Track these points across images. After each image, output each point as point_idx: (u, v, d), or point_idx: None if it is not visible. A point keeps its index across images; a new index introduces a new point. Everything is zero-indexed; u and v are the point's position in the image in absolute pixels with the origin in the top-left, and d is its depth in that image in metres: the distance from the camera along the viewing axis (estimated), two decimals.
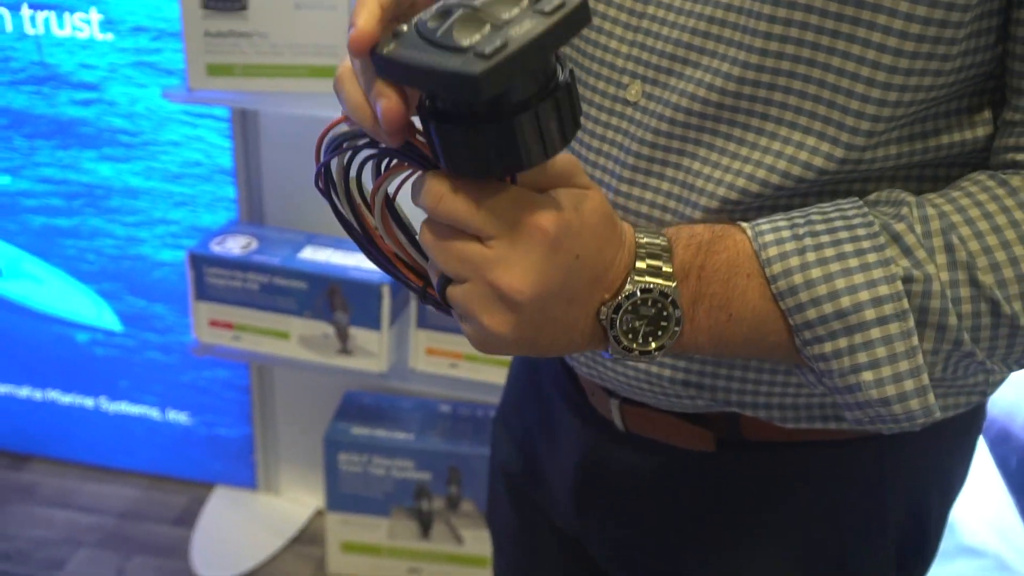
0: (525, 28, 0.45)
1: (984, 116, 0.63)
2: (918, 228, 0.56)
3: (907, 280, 0.55)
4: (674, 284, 0.55)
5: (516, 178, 0.52)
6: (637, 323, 0.55)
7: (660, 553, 0.83)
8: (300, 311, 1.73)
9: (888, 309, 0.54)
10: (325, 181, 0.57)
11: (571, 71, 0.50)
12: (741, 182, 0.62)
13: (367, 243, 0.59)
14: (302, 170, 1.62)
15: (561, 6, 0.46)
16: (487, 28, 0.46)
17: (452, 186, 0.50)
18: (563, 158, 0.53)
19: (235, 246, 1.77)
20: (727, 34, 0.61)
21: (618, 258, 0.54)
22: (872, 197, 0.60)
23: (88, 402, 2.22)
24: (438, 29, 0.47)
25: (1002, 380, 0.77)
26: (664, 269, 0.55)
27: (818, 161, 0.60)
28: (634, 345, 0.55)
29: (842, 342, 0.55)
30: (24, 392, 2.25)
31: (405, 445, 1.88)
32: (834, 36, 0.57)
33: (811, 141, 0.60)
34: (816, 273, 0.55)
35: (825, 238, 0.56)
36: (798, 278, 0.55)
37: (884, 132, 0.60)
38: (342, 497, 1.93)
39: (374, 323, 1.71)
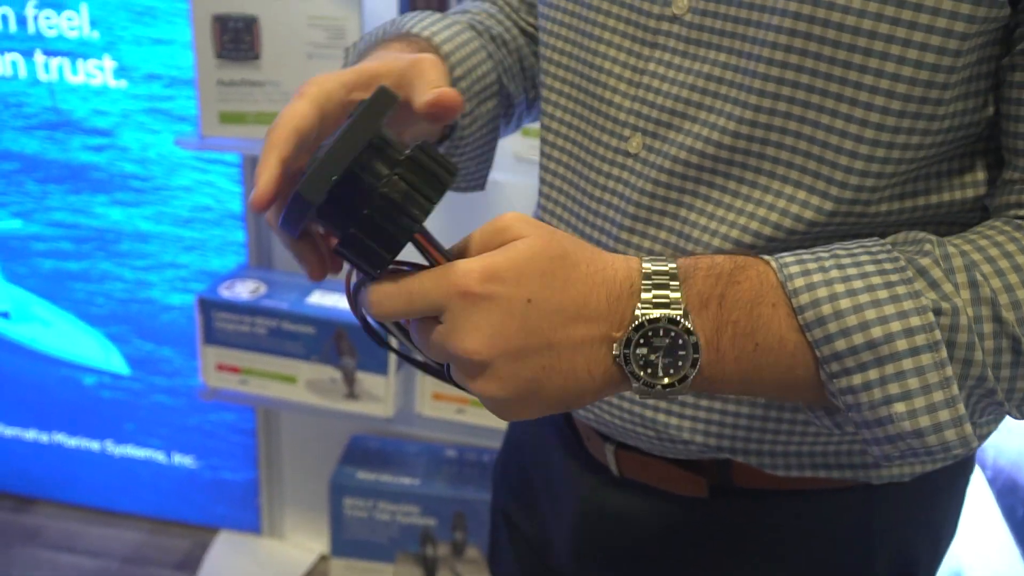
0: (334, 137, 0.52)
1: (976, 177, 0.65)
2: (942, 264, 0.56)
3: (936, 312, 0.54)
4: (683, 308, 0.54)
5: (445, 255, 0.55)
6: (653, 356, 0.54)
7: None
8: (307, 355, 1.75)
9: (920, 340, 0.53)
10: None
11: (419, 145, 0.54)
12: (735, 233, 0.65)
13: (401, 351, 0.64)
14: None
15: (359, 104, 0.53)
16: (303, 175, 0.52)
17: (387, 287, 0.54)
18: (477, 232, 0.56)
19: (244, 291, 1.79)
20: (723, 91, 0.64)
21: (599, 293, 0.54)
22: (891, 238, 0.60)
23: (94, 445, 2.23)
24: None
25: (989, 433, 0.78)
26: (672, 296, 0.54)
27: (808, 214, 0.63)
28: (656, 380, 0.54)
29: (872, 373, 0.54)
30: (30, 435, 2.26)
31: (411, 490, 1.89)
32: (823, 95, 0.60)
33: (801, 194, 0.63)
34: (845, 304, 0.54)
35: (852, 270, 0.55)
36: (827, 308, 0.54)
37: (873, 189, 0.62)
38: (347, 543, 1.93)
39: (381, 368, 1.73)
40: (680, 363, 0.54)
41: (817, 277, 0.55)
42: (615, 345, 0.54)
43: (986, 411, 0.59)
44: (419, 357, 0.61)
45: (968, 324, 0.55)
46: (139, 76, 1.87)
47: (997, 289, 0.56)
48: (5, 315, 2.16)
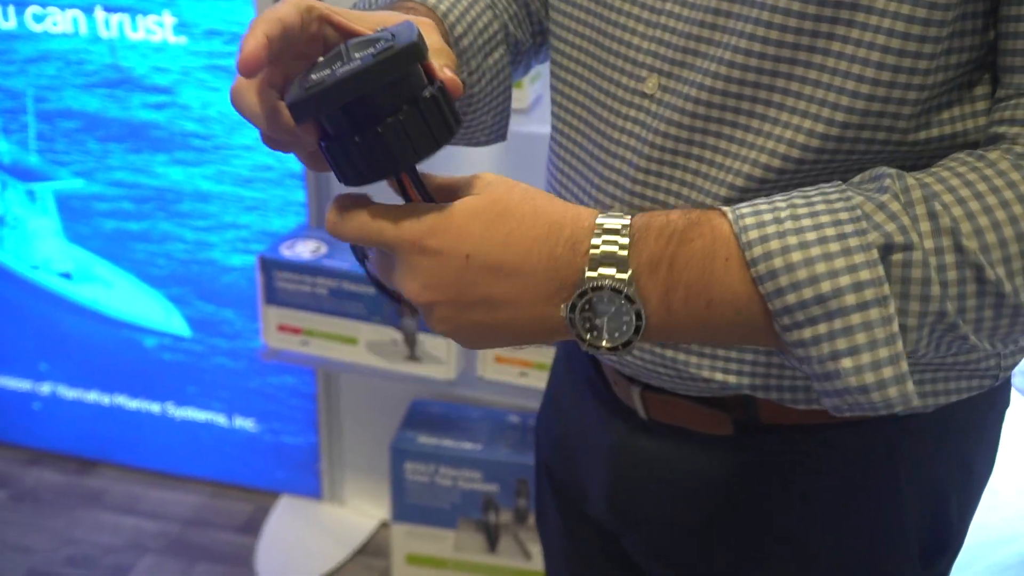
0: (347, 68, 0.55)
1: (977, 107, 0.65)
2: (901, 197, 0.57)
3: (889, 248, 0.55)
4: (628, 275, 0.56)
5: (422, 194, 0.60)
6: (597, 320, 0.57)
7: (691, 548, 0.85)
8: (368, 316, 1.76)
9: (869, 294, 0.54)
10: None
11: (440, 86, 0.58)
12: (747, 168, 0.68)
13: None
14: None
15: (388, 49, 0.55)
16: (328, 69, 0.56)
17: (348, 212, 0.59)
18: (427, 179, 0.60)
19: (304, 250, 1.81)
20: (731, 24, 0.67)
21: (539, 251, 0.57)
22: (856, 179, 0.61)
23: (155, 408, 2.28)
24: (311, 71, 0.58)
25: (1014, 364, 0.78)
26: (619, 256, 0.56)
27: (814, 142, 0.65)
28: (601, 342, 0.57)
29: (822, 328, 0.55)
30: (92, 396, 2.31)
31: (473, 455, 1.89)
32: (830, 22, 0.62)
33: (807, 123, 0.65)
34: (796, 257, 0.55)
35: (806, 221, 0.56)
36: (778, 262, 0.55)
37: (881, 114, 0.63)
38: (408, 508, 1.95)
39: None
40: (625, 328, 0.57)
41: (771, 229, 0.56)
42: (562, 307, 0.57)
43: (953, 348, 0.60)
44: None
45: (923, 258, 0.56)
46: (199, 32, 1.88)
47: (958, 217, 0.56)
48: (67, 276, 2.19)
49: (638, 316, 0.56)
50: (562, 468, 0.99)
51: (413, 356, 1.77)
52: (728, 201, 0.67)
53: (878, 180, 0.59)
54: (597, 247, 0.57)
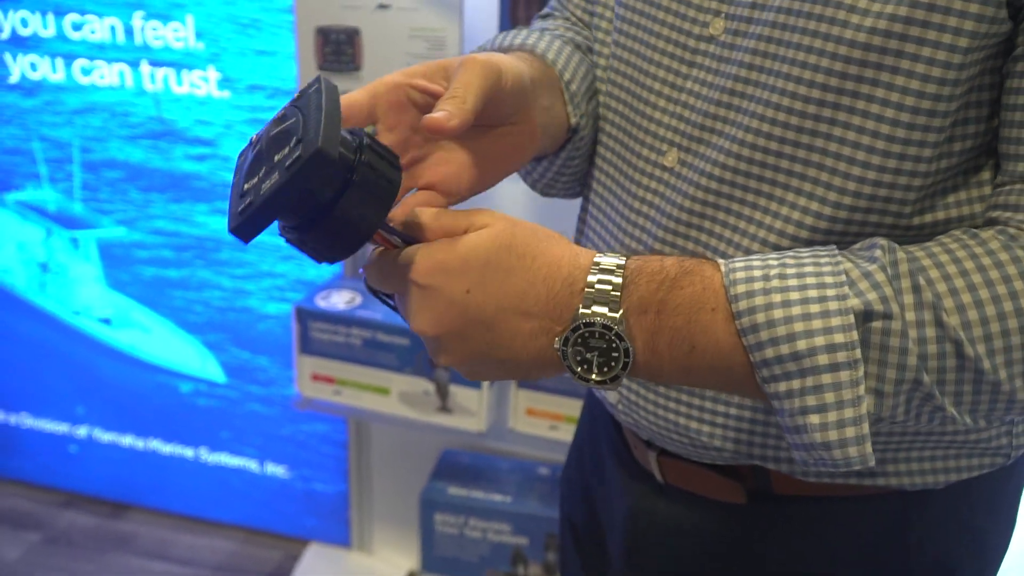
0: (268, 183, 0.55)
1: (984, 192, 0.68)
2: (889, 269, 0.60)
3: (868, 315, 0.59)
4: (619, 316, 0.60)
5: (404, 238, 0.63)
6: (588, 354, 0.61)
7: None
8: (401, 367, 1.80)
9: (841, 356, 0.58)
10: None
11: (366, 144, 0.59)
12: (756, 245, 0.72)
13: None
14: None
15: (296, 160, 0.54)
16: (255, 177, 0.57)
17: (372, 262, 0.64)
18: (435, 215, 0.63)
19: (339, 301, 1.86)
20: (747, 106, 0.71)
21: (538, 289, 0.61)
22: (857, 245, 0.65)
23: (188, 452, 2.32)
24: (244, 163, 0.60)
25: None
26: (611, 307, 0.60)
27: (822, 224, 0.68)
28: (590, 376, 0.61)
29: (795, 383, 0.59)
30: (127, 440, 2.36)
31: (502, 507, 1.91)
32: (837, 109, 0.66)
33: (814, 205, 0.69)
34: (778, 314, 0.59)
35: (792, 281, 0.60)
36: (760, 316, 0.59)
37: (887, 199, 0.67)
38: (437, 559, 1.97)
39: (475, 382, 1.77)
40: (613, 363, 0.61)
41: (758, 285, 0.60)
42: (556, 340, 0.61)
43: (934, 417, 0.63)
44: None
45: (903, 328, 0.59)
46: (242, 87, 1.95)
47: (942, 293, 0.60)
48: (107, 321, 2.26)
49: (626, 354, 0.60)
50: (584, 523, 1.02)
51: (444, 407, 1.81)
52: None
53: (870, 250, 0.62)
54: (592, 285, 0.61)
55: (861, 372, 0.59)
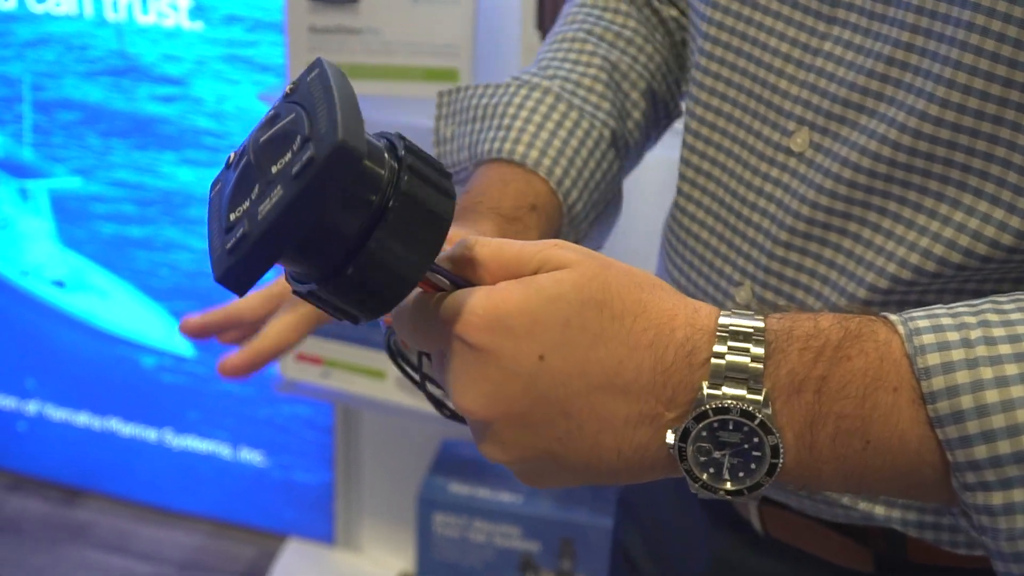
0: (269, 203, 0.44)
1: None
2: None
3: None
4: (763, 394, 0.49)
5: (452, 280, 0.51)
6: (717, 454, 0.50)
7: None
8: None
9: None
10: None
11: (405, 146, 0.48)
12: (915, 258, 0.63)
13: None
14: None
15: (310, 162, 0.43)
16: (247, 201, 0.46)
17: (402, 308, 0.52)
18: (497, 249, 0.51)
19: None
20: (908, 79, 0.61)
21: (641, 358, 0.49)
22: None
23: (151, 434, 2.27)
24: (223, 191, 0.49)
25: None
26: (752, 370, 0.49)
27: (1006, 238, 0.60)
28: (720, 485, 0.50)
29: (1017, 494, 0.48)
30: (82, 419, 2.32)
31: (511, 509, 1.86)
32: (1019, 109, 0.57)
33: (999, 213, 0.60)
34: (992, 397, 0.47)
35: (1005, 348, 0.48)
36: (967, 400, 0.47)
37: None
38: (435, 564, 1.92)
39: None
40: (753, 466, 0.49)
41: (957, 354, 0.48)
42: (669, 434, 0.50)
43: None
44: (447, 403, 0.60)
45: None
46: (217, 18, 1.87)
47: None
48: (60, 284, 2.21)
49: (774, 452, 0.49)
50: (648, 563, 0.95)
51: (447, 395, 1.70)
52: (887, 295, 0.63)
53: None
54: (721, 356, 0.49)
55: None
